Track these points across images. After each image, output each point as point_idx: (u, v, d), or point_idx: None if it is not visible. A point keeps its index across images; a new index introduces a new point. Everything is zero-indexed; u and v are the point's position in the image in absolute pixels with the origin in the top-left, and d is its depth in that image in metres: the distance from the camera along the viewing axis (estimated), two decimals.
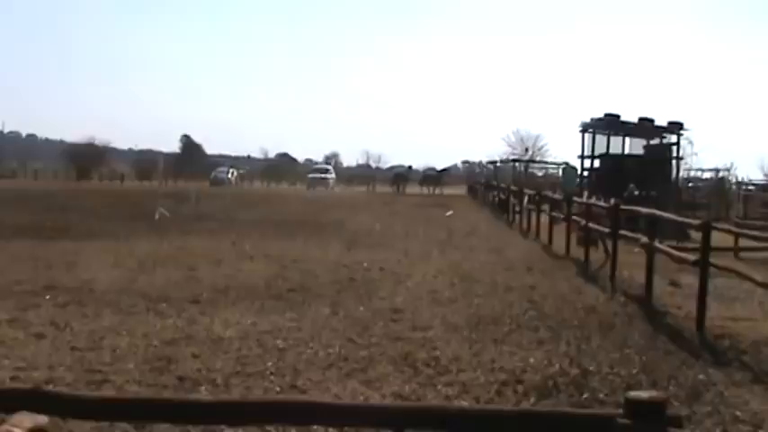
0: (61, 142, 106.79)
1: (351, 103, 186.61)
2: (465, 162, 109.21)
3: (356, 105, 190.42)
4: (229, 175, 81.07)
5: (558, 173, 58.66)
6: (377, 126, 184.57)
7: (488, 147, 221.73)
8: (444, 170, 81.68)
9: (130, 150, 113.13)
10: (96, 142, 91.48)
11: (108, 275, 14.95)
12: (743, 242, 19.72)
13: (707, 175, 48.49)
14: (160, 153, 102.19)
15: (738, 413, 7.69)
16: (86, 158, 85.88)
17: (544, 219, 25.59)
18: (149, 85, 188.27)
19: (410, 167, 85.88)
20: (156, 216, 29.57)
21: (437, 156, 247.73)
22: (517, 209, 32.70)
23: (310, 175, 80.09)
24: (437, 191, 69.06)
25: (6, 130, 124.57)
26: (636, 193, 29.77)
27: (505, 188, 40.55)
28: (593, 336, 10.73)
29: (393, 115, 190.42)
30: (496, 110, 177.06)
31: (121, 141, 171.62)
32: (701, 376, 8.87)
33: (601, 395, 8.10)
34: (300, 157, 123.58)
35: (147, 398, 5.70)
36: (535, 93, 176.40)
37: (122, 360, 8.97)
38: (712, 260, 11.85)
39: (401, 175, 76.93)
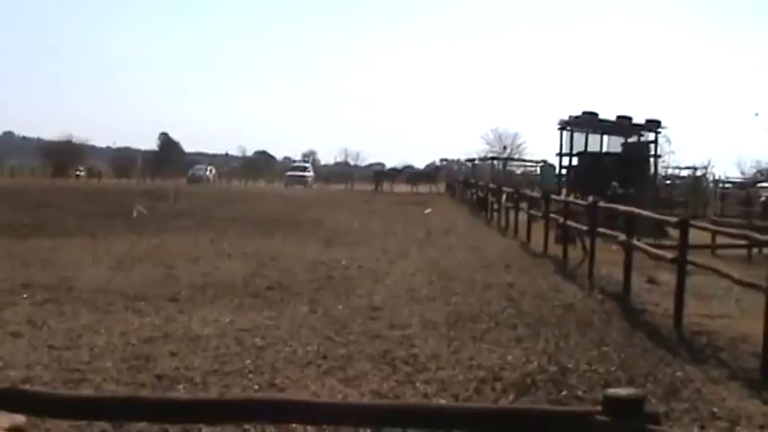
0: (38, 140, 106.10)
1: (329, 101, 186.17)
2: (443, 160, 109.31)
3: (335, 104, 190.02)
4: (207, 173, 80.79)
5: (536, 171, 58.90)
6: (355, 124, 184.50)
7: (467, 145, 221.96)
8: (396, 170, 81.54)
9: (108, 148, 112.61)
10: (74, 140, 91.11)
11: (85, 273, 14.88)
12: (720, 239, 19.87)
13: (684, 172, 48.83)
14: (138, 151, 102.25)
15: (716, 410, 7.74)
16: (64, 156, 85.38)
17: (522, 217, 25.69)
18: (128, 83, 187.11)
19: (399, 169, 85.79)
20: (134, 214, 29.44)
21: (416, 154, 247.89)
22: (495, 207, 32.79)
23: (288, 173, 79.94)
24: (433, 188, 68.63)
25: None
26: (619, 191, 29.89)
27: (484, 186, 40.67)
28: (572, 333, 10.77)
29: (372, 113, 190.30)
30: (475, 108, 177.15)
31: (100, 139, 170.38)
32: (678, 373, 8.92)
33: (579, 392, 8.13)
34: (278, 155, 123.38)
35: (125, 396, 5.68)
36: (513, 91, 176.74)
37: (100, 359, 8.92)
38: (690, 257, 11.93)
39: (381, 173, 76.93)
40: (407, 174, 78.28)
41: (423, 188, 68.25)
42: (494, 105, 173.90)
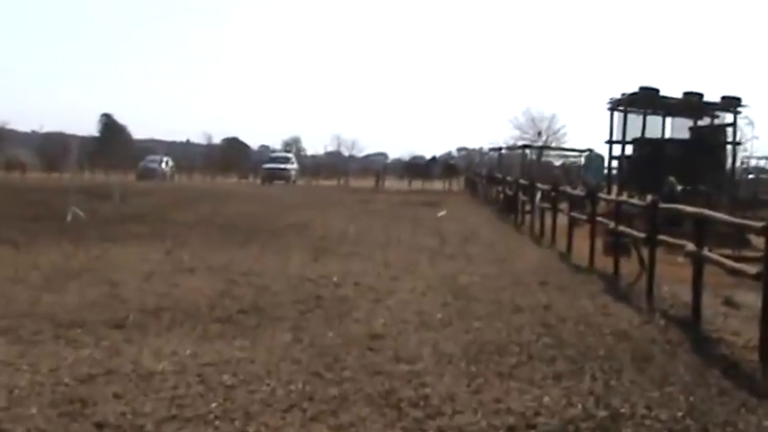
0: None
1: (316, 75, 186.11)
2: (462, 149, 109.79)
3: (323, 78, 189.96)
4: (162, 166, 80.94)
5: (579, 162, 59.05)
6: (349, 105, 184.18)
7: (491, 130, 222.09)
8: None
9: (34, 134, 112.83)
10: None
11: (3, 294, 14.85)
12: None
13: None
14: (73, 137, 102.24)
15: None
16: None
17: (562, 220, 25.68)
18: (57, 51, 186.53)
19: (434, 158, 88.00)
20: (68, 217, 29.43)
21: (426, 141, 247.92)
22: (527, 208, 32.84)
23: (266, 166, 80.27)
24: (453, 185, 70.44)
25: None
26: (678, 188, 29.91)
27: (513, 182, 40.69)
28: (626, 369, 10.75)
29: (370, 92, 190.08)
30: (501, 84, 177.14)
31: (23, 122, 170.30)
32: (766, 422, 8.89)
33: None
34: (253, 143, 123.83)
35: None
36: (550, 63, 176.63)
37: (22, 403, 8.88)
38: None
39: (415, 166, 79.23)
40: (441, 165, 79.78)
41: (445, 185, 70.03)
42: (525, 81, 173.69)
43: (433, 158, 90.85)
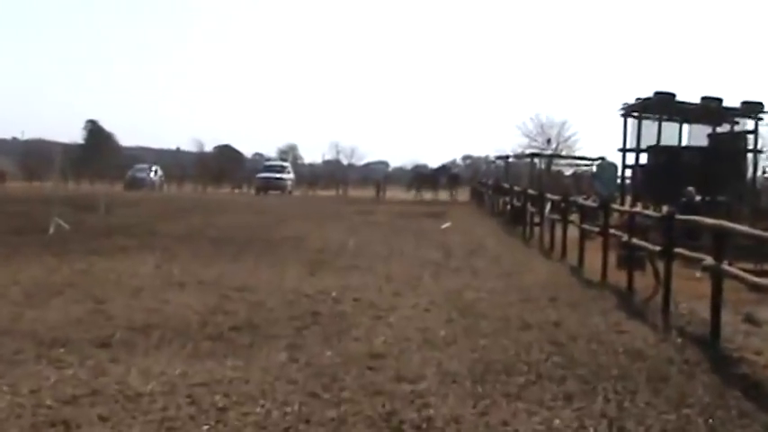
0: None
1: (313, 79, 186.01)
2: (467, 158, 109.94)
3: (321, 82, 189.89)
4: (151, 175, 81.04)
5: (591, 171, 59.05)
6: (349, 111, 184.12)
7: (498, 137, 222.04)
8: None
9: (15, 140, 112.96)
10: None
11: None
12: None
13: None
14: (56, 144, 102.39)
15: None
16: None
17: (573, 232, 25.65)
18: (40, 53, 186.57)
19: (443, 167, 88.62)
20: (51, 229, 29.41)
21: (429, 149, 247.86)
22: (536, 219, 32.81)
23: (260, 175, 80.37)
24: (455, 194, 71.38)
25: None
26: (697, 198, 29.87)
27: (521, 192, 40.69)
28: (641, 390, 10.73)
29: (370, 96, 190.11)
30: (509, 89, 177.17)
31: (2, 128, 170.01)
32: None
33: None
34: (247, 151, 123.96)
35: None
36: (560, 66, 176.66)
37: (1, 427, 8.86)
38: None
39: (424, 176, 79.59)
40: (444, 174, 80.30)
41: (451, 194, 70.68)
42: (534, 85, 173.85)
43: (442, 167, 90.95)
